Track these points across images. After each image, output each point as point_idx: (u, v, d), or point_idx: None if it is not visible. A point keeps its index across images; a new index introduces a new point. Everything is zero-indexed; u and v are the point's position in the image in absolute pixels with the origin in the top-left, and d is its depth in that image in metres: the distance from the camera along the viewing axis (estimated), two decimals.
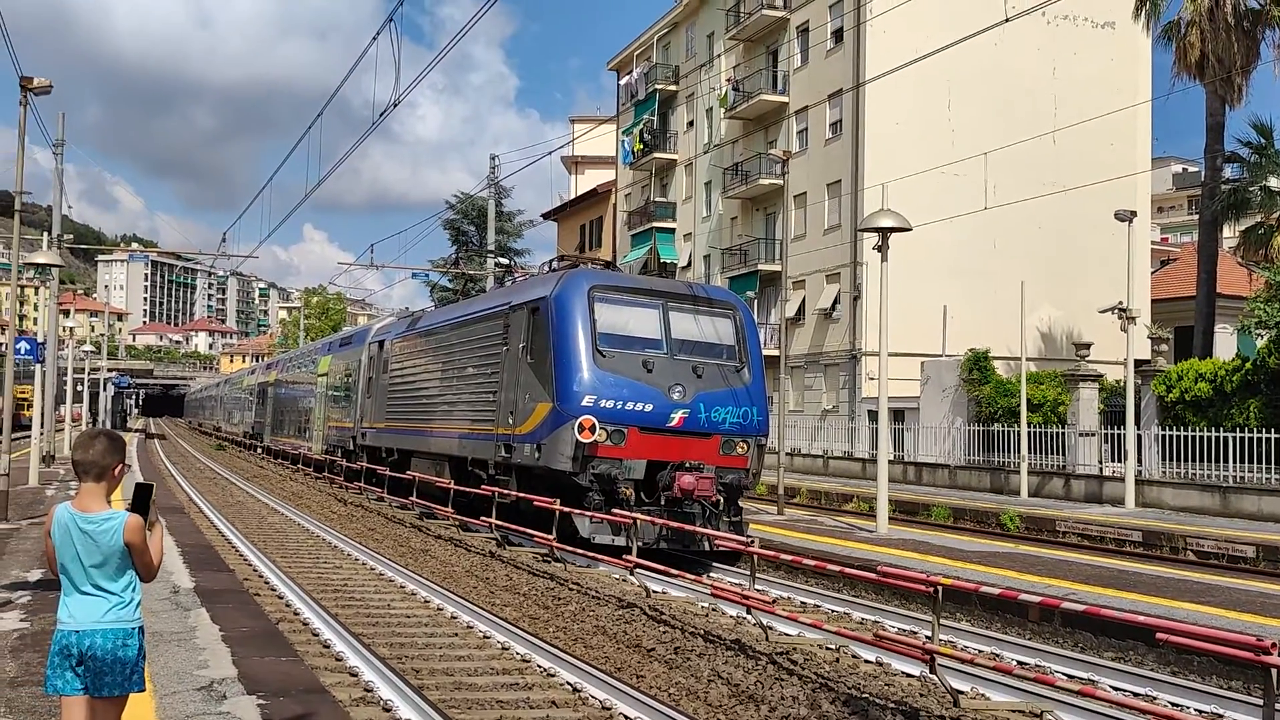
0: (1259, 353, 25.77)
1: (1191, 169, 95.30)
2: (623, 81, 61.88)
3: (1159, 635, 8.05)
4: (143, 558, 4.63)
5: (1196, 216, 43.81)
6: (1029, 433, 28.23)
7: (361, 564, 16.02)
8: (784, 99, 45.94)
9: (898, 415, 34.45)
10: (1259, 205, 35.85)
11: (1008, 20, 20.09)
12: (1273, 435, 23.15)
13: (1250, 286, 36.08)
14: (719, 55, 51.02)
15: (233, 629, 9.19)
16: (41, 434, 31.50)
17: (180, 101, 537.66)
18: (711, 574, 15.56)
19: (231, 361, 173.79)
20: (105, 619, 4.58)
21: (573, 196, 71.35)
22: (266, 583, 13.84)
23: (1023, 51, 40.85)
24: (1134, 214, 26.24)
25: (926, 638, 9.91)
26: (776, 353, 39.72)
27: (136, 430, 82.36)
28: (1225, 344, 37.88)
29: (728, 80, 49.11)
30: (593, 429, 16.14)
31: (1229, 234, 45.75)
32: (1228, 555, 18.10)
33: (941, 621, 10.07)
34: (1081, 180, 38.70)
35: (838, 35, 42.66)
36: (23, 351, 30.79)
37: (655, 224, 55.51)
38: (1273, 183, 35.69)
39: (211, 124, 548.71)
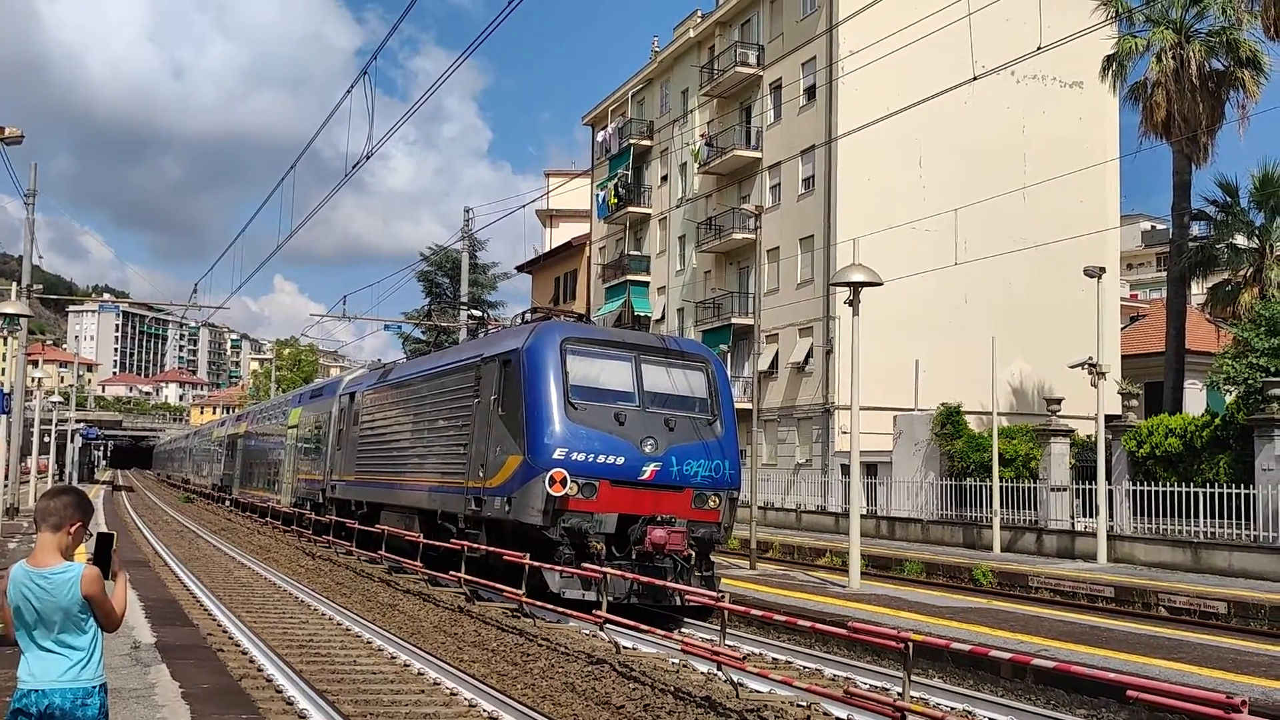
0: (1228, 409, 25.95)
1: (1160, 226, 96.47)
2: (598, 136, 62.30)
3: (1130, 693, 7.99)
4: (103, 608, 4.53)
5: (1165, 273, 44.32)
6: (1001, 487, 28.25)
7: (328, 619, 15.79)
8: (757, 154, 46.33)
9: (871, 469, 34.45)
10: (1226, 263, 36.29)
11: (975, 79, 20.33)
12: (1243, 491, 23.24)
13: (1219, 343, 36.40)
14: (693, 111, 51.51)
15: (193, 686, 9.01)
16: (5, 486, 31.06)
17: (151, 151, 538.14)
18: (683, 629, 15.42)
19: (202, 413, 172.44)
20: (64, 677, 4.47)
21: (547, 249, 71.55)
22: (230, 638, 13.61)
23: (992, 110, 41.40)
24: (1103, 270, 26.49)
25: (898, 695, 9.81)
26: (749, 406, 39.57)
27: (104, 482, 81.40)
28: (1195, 400, 38.14)
29: (701, 136, 49.53)
30: (564, 482, 16.03)
31: (1197, 290, 46.26)
32: (1199, 611, 18.08)
33: (913, 678, 9.98)
34: (1051, 236, 39.08)
35: (810, 92, 43.13)
36: None
37: (629, 277, 55.67)
38: (1239, 240, 36.17)
39: (182, 174, 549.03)
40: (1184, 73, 33.51)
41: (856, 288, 18.57)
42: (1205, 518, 23.95)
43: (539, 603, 15.70)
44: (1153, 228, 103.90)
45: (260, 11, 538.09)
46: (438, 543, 19.60)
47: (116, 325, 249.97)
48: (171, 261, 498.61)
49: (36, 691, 4.45)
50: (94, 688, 4.54)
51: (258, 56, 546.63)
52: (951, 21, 32.10)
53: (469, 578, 17.89)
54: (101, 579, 4.52)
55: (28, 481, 47.29)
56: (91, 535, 4.86)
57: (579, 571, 15.29)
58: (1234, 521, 23.34)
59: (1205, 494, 23.99)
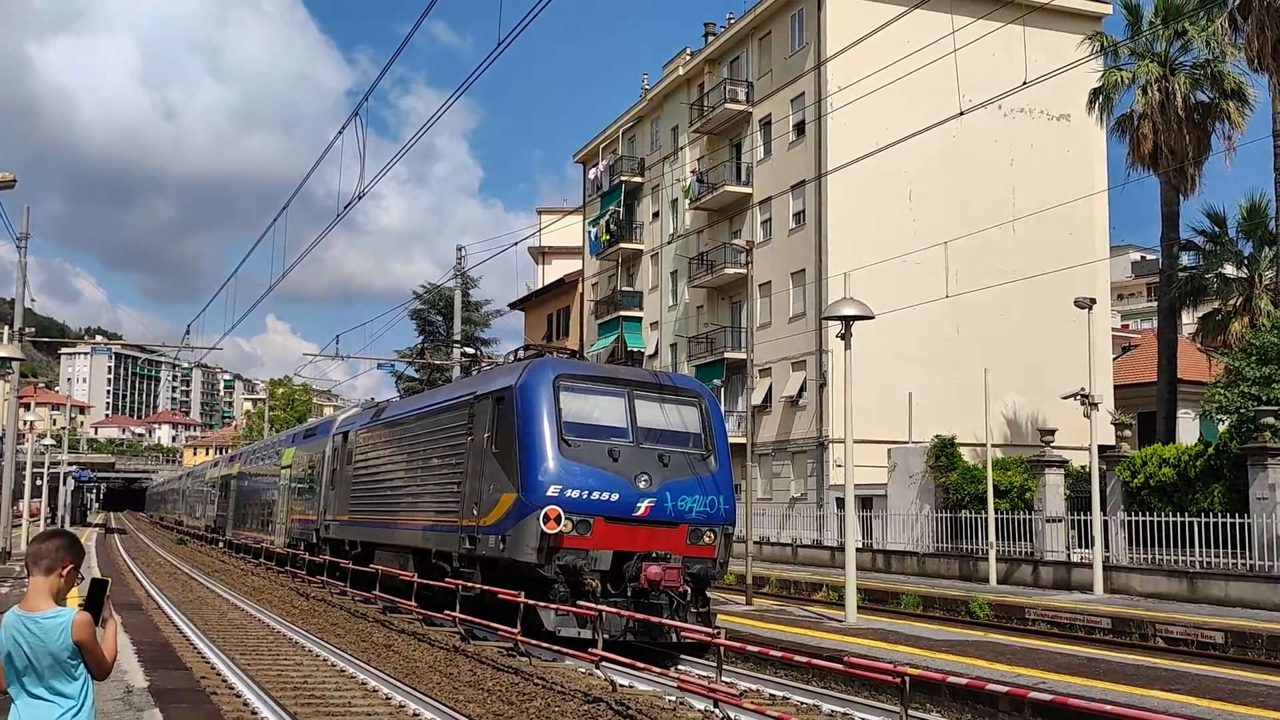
0: (1221, 438, 25.98)
1: (1149, 256, 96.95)
2: (589, 174, 62.60)
3: None
4: (93, 654, 4.49)
5: (1156, 303, 44.49)
6: (996, 519, 28.22)
7: (323, 660, 15.70)
8: (747, 190, 46.56)
9: (866, 503, 34.42)
10: (1216, 292, 36.46)
11: (963, 113, 20.50)
12: (1237, 520, 23.24)
13: (1210, 372, 36.52)
14: (683, 147, 51.81)
15: None
16: None
17: (143, 193, 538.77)
18: (679, 666, 15.34)
19: (195, 454, 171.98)
20: None
21: (540, 286, 71.71)
22: (224, 681, 13.51)
23: (980, 143, 41.69)
24: (1093, 301, 26.62)
25: None
26: (743, 440, 39.63)
27: (96, 525, 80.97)
28: (1188, 429, 38.21)
29: (692, 172, 49.80)
30: (558, 519, 15.98)
31: (1188, 320, 46.44)
32: (1197, 641, 18.05)
33: (911, 712, 9.94)
34: (1041, 268, 39.27)
35: (799, 128, 43.40)
36: None
37: (622, 313, 55.78)
38: (1228, 270, 36.36)
39: (173, 215, 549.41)
40: (1170, 105, 33.80)
41: (848, 321, 18.63)
42: (1201, 547, 23.94)
43: (535, 641, 15.63)
44: (1142, 258, 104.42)
45: (251, 53, 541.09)
46: (432, 582, 19.52)
47: (109, 367, 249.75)
48: (163, 303, 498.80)
49: None
50: None
51: (249, 98, 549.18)
52: (938, 57, 32.40)
53: (464, 617, 17.80)
54: (93, 625, 4.49)
55: (19, 525, 47.03)
56: (84, 579, 4.84)
57: (574, 609, 15.23)
58: (1230, 550, 23.33)
59: (1200, 523, 23.99)
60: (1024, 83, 19.73)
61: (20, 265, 35.49)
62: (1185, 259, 37.56)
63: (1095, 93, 36.05)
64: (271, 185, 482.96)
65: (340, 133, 19.22)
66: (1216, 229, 36.65)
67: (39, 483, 61.19)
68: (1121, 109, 36.01)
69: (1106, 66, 36.15)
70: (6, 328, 36.70)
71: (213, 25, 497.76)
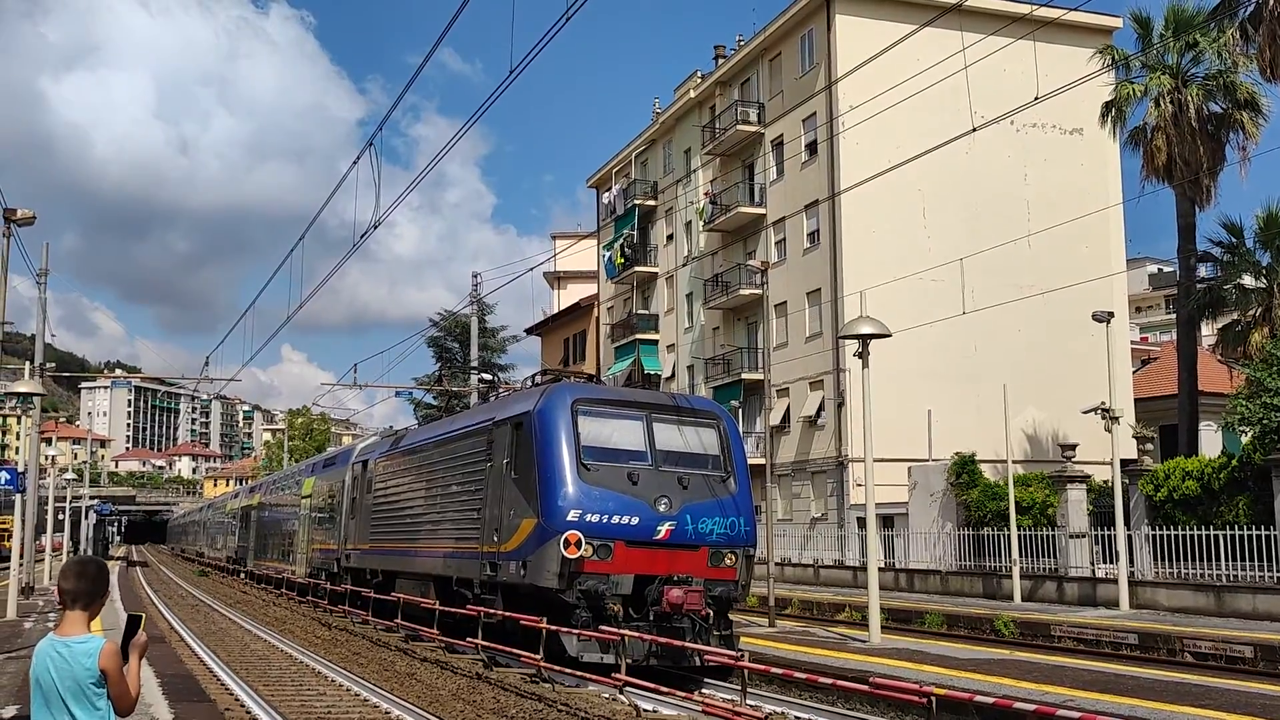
0: (1244, 449, 25.78)
1: (1166, 269, 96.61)
2: (603, 198, 62.79)
3: None
4: (118, 687, 4.49)
5: (1174, 316, 44.30)
6: (1019, 536, 28.04)
7: (346, 689, 15.67)
8: (761, 211, 46.61)
9: (887, 521, 34.26)
10: (1234, 303, 36.25)
11: (975, 130, 20.50)
12: (1263, 532, 23.04)
13: (1231, 383, 36.28)
14: (696, 170, 51.93)
15: None
16: (21, 565, 31.01)
17: (157, 227, 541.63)
18: (703, 690, 15.26)
19: (215, 485, 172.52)
20: None
21: (555, 311, 71.83)
22: (248, 712, 13.50)
23: (993, 159, 41.66)
24: (1111, 315, 26.50)
25: None
26: (763, 461, 39.63)
27: (118, 558, 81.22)
28: (1210, 441, 37.95)
29: (705, 194, 49.89)
30: (579, 544, 15.94)
31: (1207, 332, 46.19)
32: (1225, 656, 17.87)
33: None
34: (1058, 283, 39.15)
35: (811, 148, 43.46)
36: (3, 482, 30.47)
37: (638, 336, 55.82)
38: (1247, 281, 36.15)
39: (189, 248, 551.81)
40: (1183, 117, 33.72)
41: (865, 340, 18.59)
42: (1226, 560, 23.74)
43: (557, 667, 15.57)
44: (1159, 270, 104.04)
45: (263, 85, 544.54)
46: (454, 609, 19.49)
47: (129, 400, 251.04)
48: (181, 335, 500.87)
49: None
50: None
51: (261, 129, 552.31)
52: (950, 75, 32.44)
53: (486, 644, 17.76)
54: (120, 656, 4.50)
55: (42, 560, 47.21)
56: (112, 605, 4.86)
57: (596, 634, 15.17)
58: (1256, 563, 23.12)
59: (1226, 536, 23.80)
60: (1036, 98, 19.70)
61: (40, 302, 35.75)
62: (1203, 270, 37.37)
63: (1108, 106, 36.00)
64: (285, 216, 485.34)
65: (355, 163, 19.34)
66: (1233, 240, 36.46)
67: (61, 517, 61.43)
68: (1134, 122, 35.96)
69: (1118, 80, 36.10)
70: (27, 363, 36.92)
71: (224, 58, 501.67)
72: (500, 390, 34.57)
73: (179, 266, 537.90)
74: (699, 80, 52.83)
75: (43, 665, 4.49)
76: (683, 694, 13.74)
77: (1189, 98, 33.81)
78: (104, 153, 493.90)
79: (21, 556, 31.70)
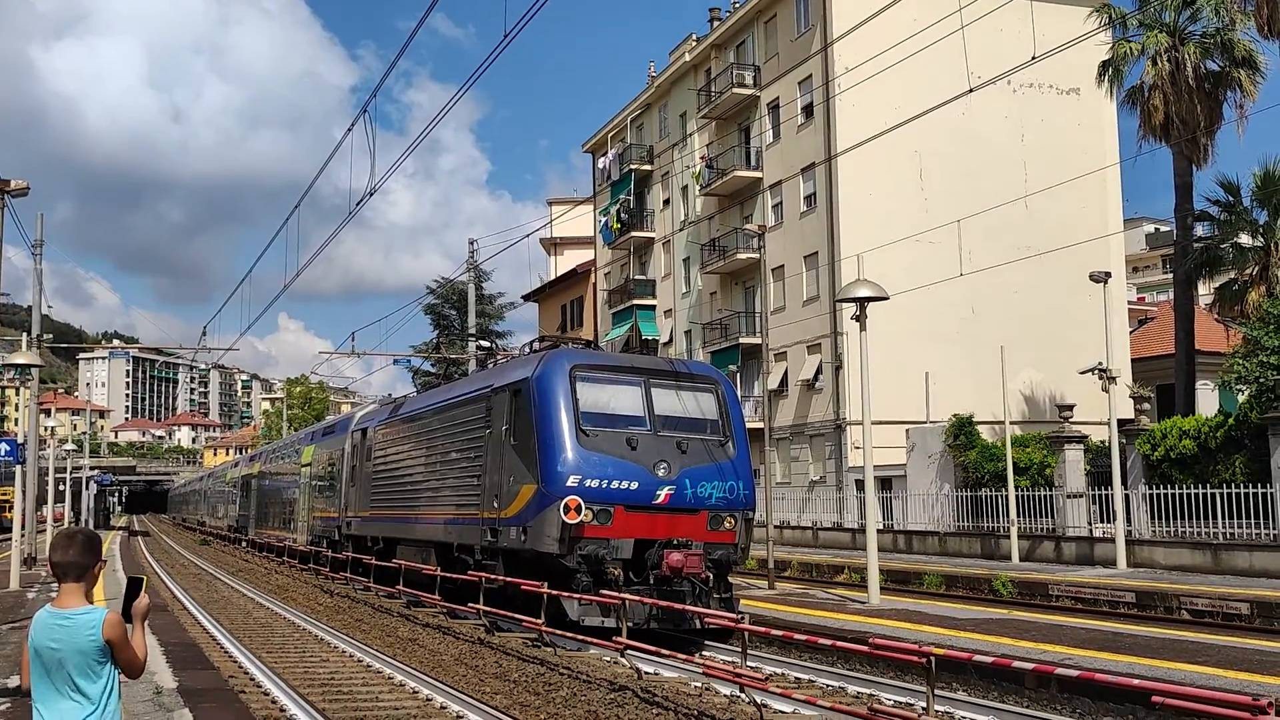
0: (1241, 408, 25.87)
1: (1163, 228, 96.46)
2: (599, 163, 62.55)
3: (1155, 698, 7.97)
4: (124, 654, 4.51)
5: (1171, 275, 44.29)
6: (1017, 496, 28.17)
7: (349, 656, 15.79)
8: (758, 174, 46.46)
9: (885, 484, 34.38)
10: (1231, 262, 36.22)
11: (971, 90, 20.41)
12: (1260, 490, 23.15)
13: (1228, 342, 36.31)
14: (692, 134, 51.71)
15: None
16: (23, 536, 31.11)
17: (151, 196, 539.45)
18: (704, 652, 15.37)
19: (215, 455, 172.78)
20: None
21: (552, 277, 71.73)
22: (252, 679, 13.60)
23: (990, 120, 41.50)
24: (1108, 275, 26.49)
25: (922, 709, 9.78)
26: (761, 425, 39.72)
27: (120, 528, 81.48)
28: (1207, 400, 38.02)
29: (701, 158, 49.71)
30: (578, 509, 16.02)
31: (1204, 291, 46.18)
32: (1222, 613, 17.99)
33: (937, 692, 9.95)
34: (1055, 244, 39.11)
35: (808, 110, 43.28)
36: (3, 453, 30.53)
37: (635, 302, 55.77)
38: (1244, 240, 36.11)
39: (183, 217, 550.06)
40: (1180, 75, 33.58)
41: (863, 303, 18.60)
42: (1223, 519, 23.87)
43: (559, 631, 15.67)
44: (1156, 230, 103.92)
45: (255, 52, 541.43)
46: (455, 575, 19.60)
47: (127, 371, 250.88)
48: (176, 304, 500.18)
49: None
50: None
51: (254, 98, 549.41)
52: (946, 35, 32.19)
53: (488, 609, 17.87)
54: (124, 624, 4.51)
55: (44, 531, 47.35)
56: (110, 572, 4.87)
57: (597, 598, 15.27)
58: (1253, 521, 23.24)
59: (1222, 495, 23.91)
60: (1033, 58, 19.62)
61: (36, 272, 35.66)
62: (1200, 229, 37.29)
63: (1104, 65, 35.84)
64: (278, 184, 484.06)
65: (349, 131, 19.26)
66: (1231, 198, 36.39)
67: (61, 488, 61.56)
68: (1131, 81, 35.82)
69: (1115, 39, 35.93)
70: (25, 335, 36.89)
71: (216, 25, 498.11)
72: (498, 357, 34.59)
73: (173, 236, 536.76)
74: (694, 43, 52.51)
75: (43, 637, 4.48)
76: (684, 656, 13.84)
77: (1186, 56, 33.65)
78: (96, 122, 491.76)
79: (23, 527, 31.80)
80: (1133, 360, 43.04)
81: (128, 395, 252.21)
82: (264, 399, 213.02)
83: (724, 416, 17.74)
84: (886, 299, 18.79)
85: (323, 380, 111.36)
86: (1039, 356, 39.87)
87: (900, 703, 11.58)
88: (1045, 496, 28.66)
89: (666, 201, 55.19)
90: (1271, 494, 22.95)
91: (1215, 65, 34.43)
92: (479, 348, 41.75)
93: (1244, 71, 33.95)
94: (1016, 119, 42.77)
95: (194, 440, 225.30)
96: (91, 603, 4.58)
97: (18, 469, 31.90)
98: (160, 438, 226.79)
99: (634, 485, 16.37)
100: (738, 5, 48.92)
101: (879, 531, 21.82)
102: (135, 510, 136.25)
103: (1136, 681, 9.60)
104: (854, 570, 26.12)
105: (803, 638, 12.68)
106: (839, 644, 12.11)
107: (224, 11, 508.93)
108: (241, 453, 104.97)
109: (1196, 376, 35.81)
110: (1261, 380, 25.44)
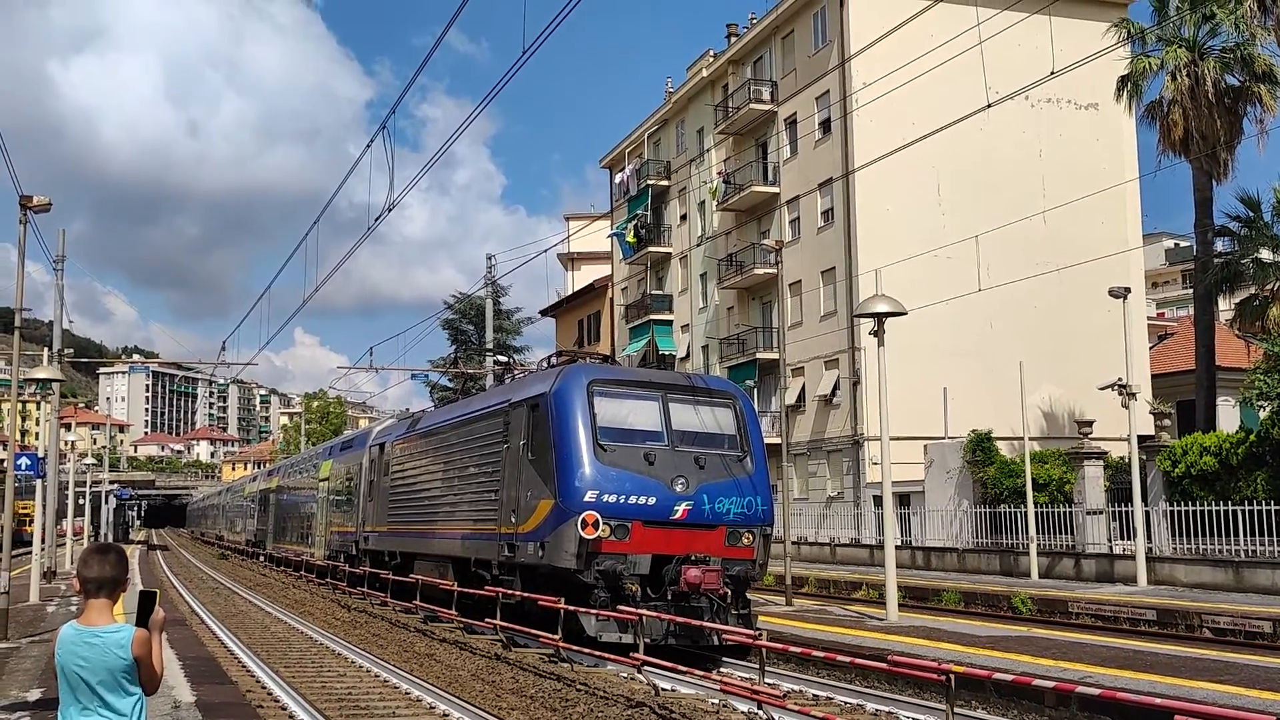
0: (1262, 424, 25.68)
1: (1183, 244, 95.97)
2: (616, 178, 62.67)
3: (1178, 717, 7.89)
4: (149, 671, 4.53)
5: (1191, 291, 44.07)
6: (1036, 513, 28.00)
7: (366, 671, 15.78)
8: (775, 190, 46.47)
9: (903, 500, 34.24)
10: (1252, 278, 36.05)
11: (990, 106, 20.38)
12: None
13: (1249, 358, 36.14)
14: (709, 149, 51.78)
15: None
16: (43, 550, 31.26)
17: (167, 210, 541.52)
18: (721, 669, 15.31)
19: (234, 469, 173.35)
20: None
21: (570, 292, 71.82)
22: (270, 694, 13.60)
23: (1008, 135, 41.43)
24: (1128, 290, 26.37)
25: None
26: (778, 440, 39.58)
27: (139, 542, 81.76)
28: (1228, 417, 37.80)
29: (719, 173, 49.75)
30: (596, 524, 15.99)
31: (1224, 306, 45.96)
32: (1244, 631, 17.84)
33: (956, 710, 9.88)
34: (1074, 259, 38.97)
35: (825, 126, 43.29)
36: (23, 467, 30.65)
37: (653, 316, 55.80)
38: (1264, 255, 35.93)
39: (199, 232, 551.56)
40: (1199, 90, 33.46)
41: (881, 318, 18.55)
42: (1245, 536, 23.68)
43: (576, 647, 15.63)
44: (1176, 246, 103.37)
45: (270, 67, 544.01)
46: (472, 590, 19.58)
47: (146, 385, 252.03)
48: (193, 319, 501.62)
49: None
50: None
51: (269, 112, 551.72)
52: (963, 50, 32.19)
53: (505, 624, 17.85)
54: (149, 640, 4.53)
55: (64, 544, 47.56)
56: (133, 588, 4.87)
57: (615, 614, 15.23)
58: (1274, 539, 23.05)
59: (1244, 512, 23.73)
60: (1051, 73, 19.58)
61: (58, 288, 35.86)
62: (1220, 245, 37.14)
63: (1123, 80, 35.75)
64: (293, 198, 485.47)
65: (369, 146, 19.35)
66: (1251, 213, 36.24)
67: (81, 502, 61.85)
68: (1150, 96, 35.72)
69: (1134, 53, 35.83)
70: (46, 349, 37.11)
71: (231, 40, 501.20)
72: (516, 372, 34.63)
73: (189, 250, 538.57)
74: (711, 59, 52.62)
75: (70, 655, 4.48)
76: (701, 673, 13.79)
77: (1206, 71, 33.54)
78: (113, 136, 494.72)
79: (43, 541, 31.94)
80: (1153, 376, 42.81)
81: (147, 410, 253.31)
82: (282, 414, 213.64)
83: (742, 431, 17.70)
84: (904, 314, 18.74)
85: (340, 395, 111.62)
86: (1058, 372, 39.69)
87: None
88: (1065, 513, 28.49)
89: (684, 217, 55.25)
90: None
91: (1235, 80, 34.30)
92: (496, 362, 41.83)
93: (1264, 86, 33.81)
94: (1034, 134, 42.69)
95: (212, 455, 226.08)
96: (115, 619, 4.59)
97: (38, 483, 32.05)
98: (179, 452, 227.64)
99: (652, 501, 16.34)
100: (755, 21, 49.02)
101: (897, 548, 21.72)
102: (154, 524, 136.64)
103: (1159, 700, 9.52)
104: (872, 586, 26.00)
105: (821, 654, 12.62)
106: (857, 661, 12.05)
107: (239, 26, 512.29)
108: (259, 467, 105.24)
109: (1217, 392, 35.60)
110: None
